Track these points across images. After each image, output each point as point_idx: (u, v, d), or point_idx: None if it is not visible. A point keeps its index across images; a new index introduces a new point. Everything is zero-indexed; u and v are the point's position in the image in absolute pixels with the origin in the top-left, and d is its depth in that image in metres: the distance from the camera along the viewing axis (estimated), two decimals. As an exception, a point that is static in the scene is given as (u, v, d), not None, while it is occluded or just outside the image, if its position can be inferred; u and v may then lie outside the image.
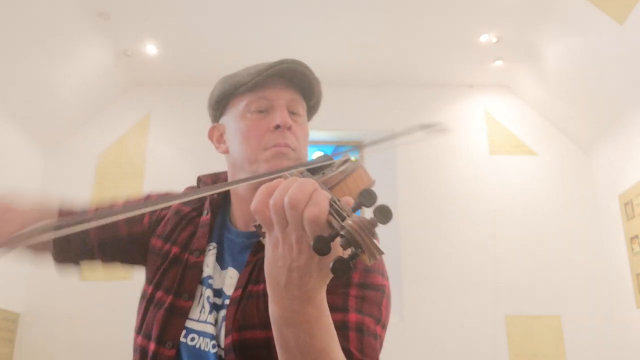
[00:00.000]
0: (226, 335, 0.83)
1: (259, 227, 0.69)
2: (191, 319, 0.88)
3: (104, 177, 4.35)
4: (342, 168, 0.75)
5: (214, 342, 0.85)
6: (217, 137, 1.01)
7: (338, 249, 0.53)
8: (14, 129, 3.89)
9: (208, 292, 0.89)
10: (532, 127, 4.48)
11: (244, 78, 0.93)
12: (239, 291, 0.86)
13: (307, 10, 3.73)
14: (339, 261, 0.50)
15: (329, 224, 0.53)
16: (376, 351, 0.79)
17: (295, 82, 0.95)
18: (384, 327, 0.84)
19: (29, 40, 3.46)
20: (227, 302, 0.87)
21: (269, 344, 0.76)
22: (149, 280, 0.96)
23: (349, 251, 0.51)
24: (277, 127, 0.90)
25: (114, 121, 4.49)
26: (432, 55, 4.22)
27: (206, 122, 1.08)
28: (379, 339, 0.81)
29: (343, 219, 0.52)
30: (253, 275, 0.87)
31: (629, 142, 3.73)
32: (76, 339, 3.85)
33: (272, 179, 0.64)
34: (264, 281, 0.83)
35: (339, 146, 4.75)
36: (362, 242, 0.50)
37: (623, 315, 3.79)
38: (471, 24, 3.82)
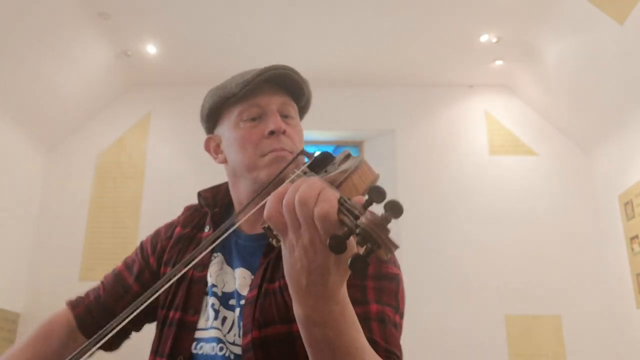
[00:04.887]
0: (244, 335, 0.84)
1: (267, 229, 0.69)
2: (199, 329, 0.91)
3: (104, 177, 4.35)
4: (345, 165, 0.74)
5: (221, 345, 0.87)
6: (213, 147, 1.02)
7: (353, 246, 0.54)
8: (14, 129, 3.89)
9: (212, 300, 0.92)
10: (532, 127, 4.47)
11: (233, 89, 0.94)
12: (255, 291, 0.88)
13: (306, 10, 3.73)
14: (356, 258, 0.51)
15: (342, 222, 0.54)
16: (397, 340, 0.82)
17: (283, 85, 0.97)
18: (401, 316, 0.86)
19: (29, 40, 3.46)
20: (242, 302, 0.89)
21: (291, 337, 0.80)
22: (161, 306, 0.99)
23: (364, 247, 0.52)
24: (272, 132, 0.92)
25: (114, 121, 4.49)
26: (432, 55, 4.22)
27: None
28: (399, 328, 0.84)
29: (356, 217, 0.52)
30: (267, 275, 0.89)
31: (629, 142, 3.73)
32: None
33: (275, 186, 0.67)
34: (279, 279, 0.86)
35: (339, 146, 4.75)
36: (377, 238, 0.51)
37: (623, 315, 3.79)
38: (471, 24, 3.82)
